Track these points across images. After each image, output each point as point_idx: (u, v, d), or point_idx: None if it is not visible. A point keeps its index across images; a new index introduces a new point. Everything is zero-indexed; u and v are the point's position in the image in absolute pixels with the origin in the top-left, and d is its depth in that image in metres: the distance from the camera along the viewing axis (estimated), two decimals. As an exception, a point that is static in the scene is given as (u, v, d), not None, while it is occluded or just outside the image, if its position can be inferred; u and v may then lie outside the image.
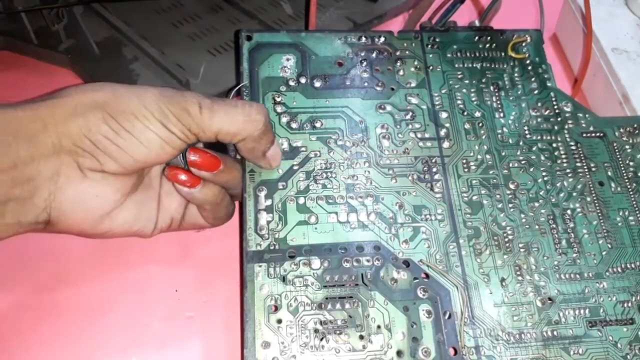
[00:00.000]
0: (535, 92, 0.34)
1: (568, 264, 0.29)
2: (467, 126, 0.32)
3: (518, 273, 0.28)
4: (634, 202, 0.31)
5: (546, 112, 0.33)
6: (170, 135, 0.25)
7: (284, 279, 0.27)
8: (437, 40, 0.35)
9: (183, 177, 0.27)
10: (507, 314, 0.27)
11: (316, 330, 0.26)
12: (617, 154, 0.32)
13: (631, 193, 0.31)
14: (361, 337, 0.26)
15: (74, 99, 0.24)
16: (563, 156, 0.32)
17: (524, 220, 0.30)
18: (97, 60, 0.39)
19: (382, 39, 0.34)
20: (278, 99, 0.31)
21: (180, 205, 0.29)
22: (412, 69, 0.33)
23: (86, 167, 0.24)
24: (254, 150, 0.27)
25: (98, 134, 0.23)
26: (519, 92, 0.34)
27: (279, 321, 0.26)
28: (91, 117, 0.23)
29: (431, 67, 0.34)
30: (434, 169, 0.30)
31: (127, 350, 0.29)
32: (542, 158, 0.32)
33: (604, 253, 0.29)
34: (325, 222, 0.28)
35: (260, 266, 0.27)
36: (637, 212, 0.31)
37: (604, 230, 0.30)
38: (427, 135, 0.31)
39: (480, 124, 0.32)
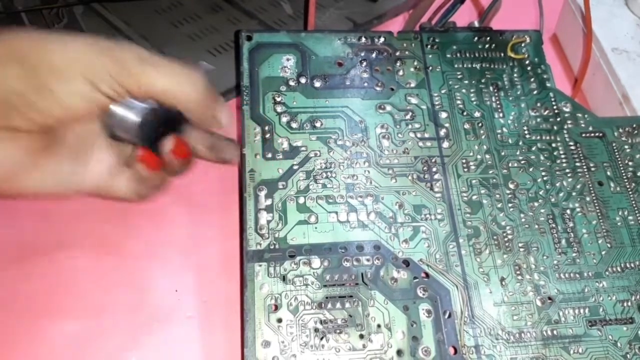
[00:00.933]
0: (535, 92, 0.34)
1: (568, 264, 0.29)
2: (466, 126, 0.32)
3: (518, 272, 0.28)
4: (633, 202, 0.31)
5: (545, 112, 0.33)
6: (97, 95, 0.22)
7: (284, 279, 0.27)
8: (437, 40, 0.35)
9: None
10: (507, 314, 0.27)
11: (316, 330, 0.26)
12: (617, 154, 0.33)
13: (630, 193, 0.31)
14: (361, 337, 0.26)
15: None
16: (562, 156, 0.32)
17: (523, 219, 0.30)
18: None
19: (382, 39, 0.34)
20: (278, 99, 0.31)
21: (108, 173, 0.26)
22: (412, 69, 0.33)
23: (17, 125, 0.21)
24: (205, 116, 0.25)
25: (11, 92, 0.21)
26: (519, 93, 0.34)
27: (279, 320, 0.26)
28: (5, 71, 0.21)
29: (431, 68, 0.34)
30: (434, 169, 0.30)
31: (127, 350, 0.29)
32: (542, 158, 0.32)
33: (603, 252, 0.29)
34: (325, 221, 0.28)
35: (260, 265, 0.27)
36: (637, 211, 0.31)
37: (604, 230, 0.30)
38: (426, 135, 0.31)
39: (480, 124, 0.32)
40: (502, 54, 0.35)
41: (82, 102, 0.22)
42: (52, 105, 0.21)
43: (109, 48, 0.22)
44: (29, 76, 0.21)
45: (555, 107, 0.33)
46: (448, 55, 0.34)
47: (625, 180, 0.32)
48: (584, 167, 0.32)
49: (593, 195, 0.31)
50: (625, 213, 0.31)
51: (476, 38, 0.35)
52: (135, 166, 0.26)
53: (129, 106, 0.24)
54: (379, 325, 0.26)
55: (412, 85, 0.33)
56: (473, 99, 0.33)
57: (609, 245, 0.30)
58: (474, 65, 0.34)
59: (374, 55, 0.33)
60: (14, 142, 0.22)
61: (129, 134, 0.25)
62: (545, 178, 0.31)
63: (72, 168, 0.25)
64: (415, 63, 0.34)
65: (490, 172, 0.31)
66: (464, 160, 0.31)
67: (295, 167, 0.29)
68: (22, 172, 0.23)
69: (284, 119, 0.31)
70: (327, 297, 0.26)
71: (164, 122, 0.25)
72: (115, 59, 0.22)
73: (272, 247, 0.27)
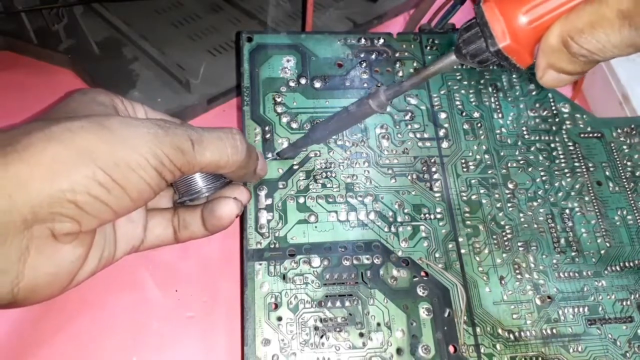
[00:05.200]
0: (534, 93, 0.34)
1: (567, 263, 0.29)
2: (465, 126, 0.32)
3: (517, 271, 0.28)
4: (632, 202, 0.31)
5: (544, 113, 0.33)
6: (161, 181, 0.22)
7: (284, 277, 0.27)
8: (436, 42, 0.35)
9: (236, 212, 0.26)
10: (506, 312, 0.27)
11: (316, 328, 0.26)
12: (615, 154, 0.33)
13: (629, 192, 0.32)
14: (361, 335, 0.26)
15: (51, 148, 0.19)
16: (561, 156, 0.32)
17: (522, 219, 0.30)
18: (97, 60, 0.39)
19: (382, 40, 0.34)
20: (278, 99, 0.31)
21: (141, 231, 0.26)
22: (411, 70, 0.33)
23: (63, 232, 0.20)
24: (245, 174, 0.26)
25: (86, 194, 0.19)
26: (517, 93, 0.34)
27: (279, 319, 0.26)
28: (78, 175, 0.19)
29: (430, 68, 0.34)
30: (433, 169, 0.31)
31: (127, 350, 0.29)
32: (541, 158, 0.32)
33: (602, 252, 0.30)
34: (325, 220, 0.28)
35: (260, 264, 0.27)
36: (635, 211, 0.31)
37: (603, 229, 0.30)
38: (426, 136, 0.32)
39: (479, 125, 0.32)
40: (501, 55, 0.35)
41: (151, 191, 0.21)
42: (124, 201, 0.21)
43: (165, 134, 0.21)
44: (104, 177, 0.20)
45: (553, 107, 0.34)
46: (447, 56, 0.34)
47: (624, 180, 0.32)
48: (583, 167, 0.32)
49: (592, 194, 0.31)
50: (624, 212, 0.31)
51: (475, 39, 0.35)
52: (179, 213, 0.27)
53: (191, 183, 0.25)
54: (378, 324, 0.26)
55: (412, 85, 0.33)
56: (472, 100, 0.33)
57: (608, 245, 0.30)
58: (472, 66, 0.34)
59: (373, 56, 0.34)
60: (78, 242, 0.21)
61: (192, 197, 0.26)
62: (544, 178, 0.31)
63: (111, 241, 0.24)
64: (415, 64, 0.34)
65: (490, 172, 0.31)
66: (463, 160, 0.31)
67: (296, 167, 0.29)
68: (79, 269, 0.22)
69: (284, 119, 0.31)
70: (327, 296, 0.26)
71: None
72: (173, 144, 0.21)
73: (272, 246, 0.27)
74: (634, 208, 0.31)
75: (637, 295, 0.29)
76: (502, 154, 0.32)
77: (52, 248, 0.20)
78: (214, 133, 0.23)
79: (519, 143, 0.32)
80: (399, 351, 0.26)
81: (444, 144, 0.31)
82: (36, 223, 0.19)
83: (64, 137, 0.19)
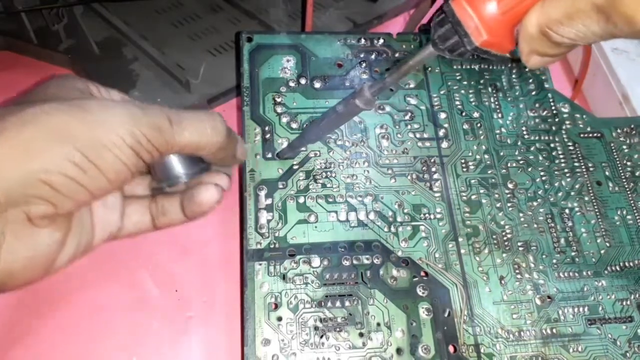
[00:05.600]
0: (533, 93, 0.34)
1: (567, 263, 0.29)
2: (465, 126, 0.32)
3: (517, 271, 0.28)
4: (632, 201, 0.31)
5: (544, 113, 0.33)
6: (138, 161, 0.21)
7: (284, 277, 0.27)
8: (436, 41, 0.35)
9: (216, 197, 0.25)
10: (506, 312, 0.27)
11: (316, 328, 0.26)
12: (615, 154, 0.33)
13: (629, 192, 0.32)
14: (361, 335, 0.26)
15: (25, 130, 0.19)
16: (561, 156, 0.32)
17: (522, 219, 0.30)
18: (97, 60, 0.39)
19: (381, 40, 0.34)
20: (278, 100, 0.31)
21: (118, 217, 0.25)
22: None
23: (38, 215, 0.19)
24: (225, 157, 0.26)
25: (60, 175, 0.19)
26: (517, 93, 0.34)
27: (279, 319, 0.26)
28: (53, 156, 0.19)
29: (430, 69, 0.34)
30: (433, 169, 0.31)
31: (127, 350, 0.29)
32: (540, 158, 0.32)
33: (602, 251, 0.30)
34: (325, 220, 0.28)
35: (260, 264, 0.27)
36: (635, 211, 0.31)
37: (602, 229, 0.30)
38: (426, 136, 0.32)
39: (479, 125, 0.32)
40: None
41: (127, 172, 0.21)
42: (100, 182, 0.20)
43: (143, 114, 0.21)
44: (80, 158, 0.19)
45: (553, 107, 0.34)
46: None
47: (624, 180, 0.32)
48: (583, 167, 0.32)
49: (592, 194, 0.31)
50: (624, 212, 0.31)
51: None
52: (157, 200, 0.26)
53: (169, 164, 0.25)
54: (378, 324, 0.26)
55: (412, 86, 0.33)
56: (472, 100, 0.33)
57: (607, 245, 0.30)
58: (472, 67, 0.34)
59: (373, 56, 0.34)
60: (54, 227, 0.21)
61: (171, 182, 0.25)
62: (544, 178, 0.31)
63: (88, 227, 0.24)
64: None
65: (489, 172, 0.31)
66: (463, 160, 0.31)
67: (295, 167, 0.29)
68: (58, 254, 0.22)
69: (284, 120, 0.31)
70: (326, 296, 0.26)
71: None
72: (150, 124, 0.21)
73: (272, 246, 0.27)
74: (634, 208, 0.31)
75: (636, 295, 0.29)
76: (501, 154, 0.32)
77: (28, 232, 0.20)
78: (194, 114, 0.23)
79: (519, 143, 0.32)
80: (398, 351, 0.26)
81: (444, 144, 0.31)
82: (10, 207, 0.19)
83: (39, 119, 0.19)
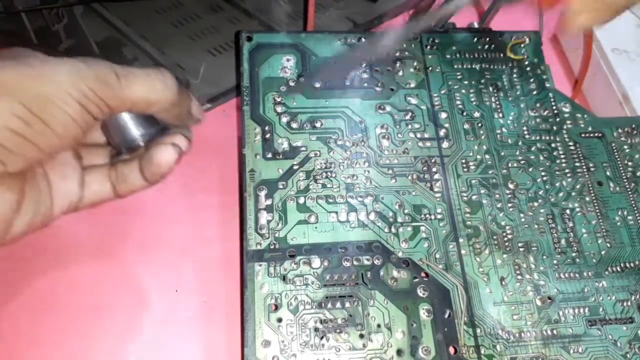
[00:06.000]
0: (534, 92, 0.34)
1: (567, 263, 0.29)
2: (466, 126, 0.32)
3: (517, 272, 0.28)
4: (633, 202, 0.31)
5: (545, 113, 0.33)
6: (86, 116, 0.21)
7: (284, 278, 0.27)
8: (437, 41, 0.35)
9: (175, 157, 0.25)
10: (506, 313, 0.27)
11: (316, 329, 0.26)
12: (616, 154, 0.33)
13: (630, 193, 0.31)
14: (361, 336, 0.26)
15: None
16: (562, 156, 0.32)
17: (523, 219, 0.30)
18: (97, 61, 0.39)
19: (382, 39, 0.34)
20: (278, 99, 0.31)
21: (77, 187, 0.25)
22: (412, 70, 0.33)
23: None
24: (179, 114, 0.25)
25: (4, 129, 0.19)
26: (518, 93, 0.34)
27: (279, 320, 0.26)
28: None
29: (430, 68, 0.34)
30: (434, 169, 0.30)
31: (127, 350, 0.29)
32: (541, 158, 0.32)
33: (603, 252, 0.30)
34: (325, 221, 0.28)
35: (260, 265, 0.27)
36: (636, 211, 0.31)
37: (603, 230, 0.30)
38: (426, 135, 0.32)
39: (480, 124, 0.32)
40: (502, 55, 0.35)
41: (76, 127, 0.21)
42: (49, 137, 0.20)
43: (88, 67, 0.21)
44: (24, 111, 0.19)
45: (554, 107, 0.33)
46: (448, 56, 0.34)
47: (625, 180, 0.32)
48: (584, 167, 0.32)
49: (592, 195, 0.31)
50: (625, 213, 0.31)
51: (476, 39, 0.35)
52: (116, 167, 0.26)
53: (123, 122, 0.24)
54: (379, 325, 0.26)
55: (412, 85, 0.33)
56: (472, 100, 0.33)
57: (608, 245, 0.30)
58: (473, 66, 0.34)
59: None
60: (5, 187, 0.20)
61: (128, 145, 0.25)
62: (544, 178, 0.31)
63: (47, 194, 0.24)
64: (415, 63, 0.34)
65: (490, 172, 0.31)
66: (463, 160, 0.31)
67: (296, 167, 0.29)
68: (13, 218, 0.21)
69: (284, 119, 0.31)
70: (327, 297, 0.26)
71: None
72: (96, 77, 0.21)
73: (272, 246, 0.27)
74: (635, 208, 0.31)
75: (637, 296, 0.28)
76: (502, 154, 0.32)
77: None
78: (142, 70, 0.23)
79: (520, 143, 0.32)
80: (399, 352, 0.26)
81: (445, 144, 0.31)
82: None
83: None
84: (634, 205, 0.31)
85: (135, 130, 0.24)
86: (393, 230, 0.29)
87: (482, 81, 0.34)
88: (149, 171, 0.25)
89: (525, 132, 0.32)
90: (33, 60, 0.20)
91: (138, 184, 0.26)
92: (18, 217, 0.21)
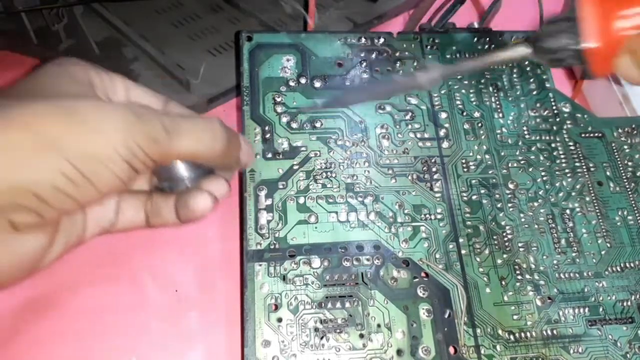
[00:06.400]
0: (534, 92, 0.34)
1: (567, 263, 0.29)
2: (466, 126, 0.32)
3: (517, 272, 0.28)
4: (633, 202, 0.31)
5: (545, 113, 0.33)
6: (131, 172, 0.20)
7: (284, 278, 0.27)
8: (436, 41, 0.35)
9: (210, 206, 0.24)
10: (506, 313, 0.27)
11: (316, 329, 0.26)
12: (616, 154, 0.33)
13: (630, 193, 0.31)
14: (361, 336, 0.26)
15: (13, 133, 0.18)
16: (562, 156, 0.32)
17: (523, 219, 0.30)
18: (97, 60, 0.38)
19: (382, 40, 0.34)
20: (278, 99, 0.31)
21: (113, 214, 0.25)
22: (412, 70, 0.33)
23: (22, 222, 0.19)
24: (227, 164, 0.25)
25: (50, 187, 0.18)
26: (518, 93, 0.34)
27: (279, 320, 0.26)
28: (43, 166, 0.18)
29: (431, 68, 0.34)
30: (434, 169, 0.30)
31: (127, 350, 0.29)
32: (541, 158, 0.32)
33: (603, 252, 0.30)
34: (325, 221, 0.28)
35: (260, 265, 0.27)
36: (636, 211, 0.31)
37: (603, 230, 0.30)
38: (426, 136, 0.32)
39: (480, 124, 0.32)
40: (502, 55, 0.35)
41: (119, 183, 0.20)
42: (90, 194, 0.19)
43: (139, 122, 0.20)
44: (70, 169, 0.18)
45: (554, 107, 0.33)
46: (447, 56, 0.34)
47: (625, 180, 0.32)
48: (584, 167, 0.32)
49: (592, 195, 0.31)
50: (625, 213, 0.31)
51: (475, 39, 0.35)
52: (153, 199, 0.26)
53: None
54: (379, 325, 0.26)
55: (412, 85, 0.33)
56: (472, 100, 0.33)
57: (608, 245, 0.30)
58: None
59: (373, 55, 0.33)
60: (39, 230, 0.20)
61: (173, 186, 0.25)
62: (544, 178, 0.31)
63: (79, 223, 0.23)
64: (415, 63, 0.34)
65: (490, 172, 0.31)
66: (463, 160, 0.31)
67: (295, 167, 0.29)
68: (44, 256, 0.21)
69: (284, 119, 0.31)
70: (327, 297, 0.26)
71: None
72: (146, 134, 0.20)
73: (272, 246, 0.27)
74: (635, 208, 0.31)
75: (637, 296, 0.28)
76: (502, 154, 0.32)
77: (11, 239, 0.19)
78: (192, 121, 0.22)
79: (520, 143, 0.32)
80: (399, 352, 0.26)
81: (445, 144, 0.31)
82: None
83: (29, 123, 0.18)
84: (634, 205, 0.31)
85: (183, 172, 0.24)
86: (393, 230, 0.29)
87: (482, 81, 0.34)
88: (182, 213, 0.25)
89: (525, 132, 0.32)
90: (82, 106, 0.19)
91: (171, 220, 0.25)
92: (50, 253, 0.21)
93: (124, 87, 0.25)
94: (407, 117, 0.32)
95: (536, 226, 0.30)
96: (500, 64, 0.21)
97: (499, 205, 0.30)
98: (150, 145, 0.20)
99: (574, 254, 0.29)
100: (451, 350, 0.26)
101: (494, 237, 0.29)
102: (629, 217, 0.31)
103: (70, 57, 0.23)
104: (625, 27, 0.18)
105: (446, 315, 0.27)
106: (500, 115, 0.33)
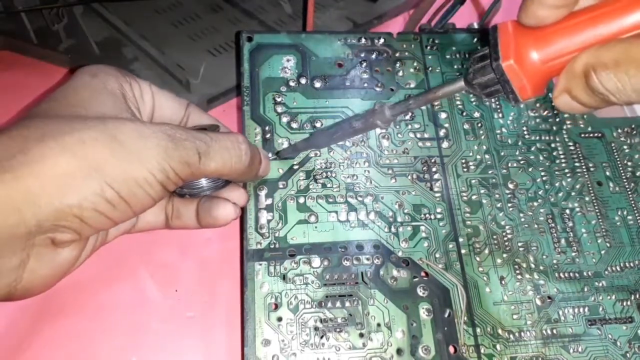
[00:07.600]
0: (534, 92, 0.34)
1: (567, 263, 0.29)
2: (466, 126, 0.32)
3: (517, 272, 0.28)
4: (632, 202, 0.31)
5: (545, 113, 0.33)
6: (164, 192, 0.22)
7: (284, 277, 0.27)
8: (436, 41, 0.35)
9: (233, 216, 0.26)
10: (506, 313, 0.27)
11: (316, 328, 0.26)
12: (616, 154, 0.33)
13: (629, 193, 0.32)
14: (361, 335, 0.26)
15: (62, 162, 0.19)
16: (562, 156, 0.32)
17: (523, 219, 0.30)
18: (97, 60, 0.39)
19: (382, 40, 0.34)
20: (278, 99, 0.31)
21: (135, 218, 0.26)
22: (412, 70, 0.33)
23: (63, 241, 0.20)
24: (247, 178, 0.27)
25: (92, 210, 0.20)
26: (518, 93, 0.34)
27: (279, 319, 0.26)
28: (87, 191, 0.19)
29: (430, 68, 0.34)
30: (434, 169, 0.30)
31: (127, 350, 0.29)
32: (541, 158, 0.32)
33: (602, 252, 0.30)
34: (325, 221, 0.28)
35: (260, 264, 0.27)
36: (636, 211, 0.31)
37: (603, 230, 0.30)
38: (426, 136, 0.32)
39: (479, 124, 0.32)
40: (502, 55, 0.35)
41: (152, 202, 0.22)
42: (126, 215, 0.21)
43: (175, 148, 0.21)
44: (111, 193, 0.20)
45: (554, 107, 0.34)
46: (447, 56, 0.34)
47: (625, 180, 0.32)
48: (583, 167, 0.32)
49: (592, 195, 0.31)
50: (625, 213, 0.31)
51: (475, 39, 0.35)
52: (173, 202, 0.27)
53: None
54: (378, 324, 0.26)
55: (412, 85, 0.33)
56: (472, 100, 0.33)
57: (608, 245, 0.30)
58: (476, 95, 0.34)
59: (373, 56, 0.33)
60: (77, 246, 0.22)
61: (193, 193, 0.26)
62: (544, 178, 0.31)
63: (103, 232, 0.25)
64: (415, 64, 0.34)
65: (490, 172, 0.31)
66: (463, 160, 0.31)
67: (296, 167, 0.29)
68: (72, 266, 0.23)
69: (285, 119, 0.31)
70: (327, 296, 0.26)
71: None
72: (181, 159, 0.21)
73: (272, 246, 0.27)
74: (634, 208, 0.31)
75: (637, 296, 0.29)
76: (502, 154, 0.32)
77: (50, 254, 0.21)
78: (221, 143, 0.23)
79: (520, 143, 0.32)
80: (399, 352, 0.26)
81: (444, 144, 0.31)
82: (39, 234, 0.19)
83: (77, 150, 0.19)
84: (633, 205, 0.31)
85: (203, 183, 0.25)
86: (393, 229, 0.29)
87: (482, 81, 0.34)
88: (204, 220, 0.26)
89: (525, 132, 0.32)
90: (123, 133, 0.20)
91: (191, 224, 0.27)
92: (79, 260, 0.23)
93: (151, 93, 0.26)
94: (407, 117, 0.32)
95: (536, 226, 0.30)
96: (442, 98, 0.23)
97: (498, 205, 0.30)
98: (183, 169, 0.22)
99: (573, 254, 0.29)
100: (451, 349, 0.26)
101: (494, 236, 0.29)
102: (629, 217, 0.31)
103: (102, 66, 0.24)
104: (543, 60, 0.19)
105: (446, 315, 0.27)
106: (500, 115, 0.33)
